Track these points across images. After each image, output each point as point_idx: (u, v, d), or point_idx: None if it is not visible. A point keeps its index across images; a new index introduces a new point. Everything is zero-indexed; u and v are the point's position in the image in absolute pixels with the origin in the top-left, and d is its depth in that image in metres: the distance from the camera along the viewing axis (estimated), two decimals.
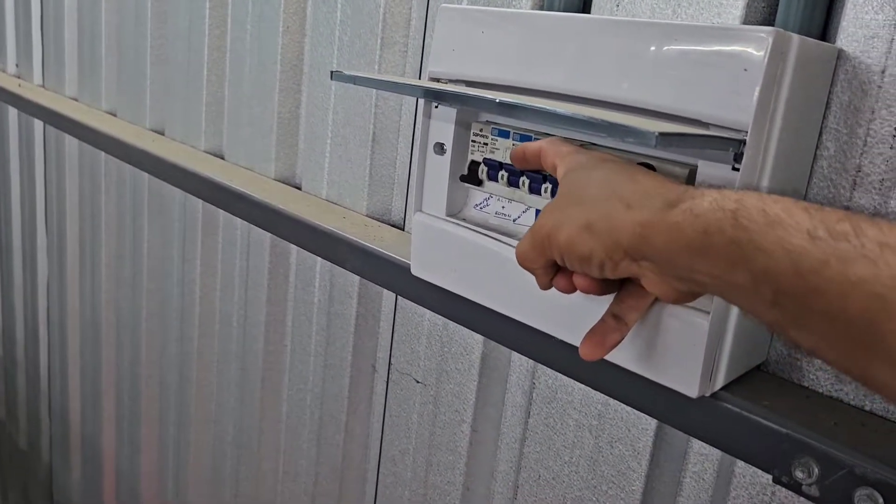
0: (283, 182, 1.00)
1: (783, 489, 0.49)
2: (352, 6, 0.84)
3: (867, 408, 0.50)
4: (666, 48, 0.46)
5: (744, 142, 0.43)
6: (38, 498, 1.96)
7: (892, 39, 0.47)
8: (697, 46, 0.44)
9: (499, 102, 0.43)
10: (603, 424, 0.65)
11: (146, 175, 1.24)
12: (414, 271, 0.66)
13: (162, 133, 1.24)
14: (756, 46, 0.42)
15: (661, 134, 0.37)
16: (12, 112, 1.77)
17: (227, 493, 1.19)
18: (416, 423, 0.84)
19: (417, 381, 0.83)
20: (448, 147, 0.61)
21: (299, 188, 0.97)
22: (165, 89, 1.22)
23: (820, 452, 0.45)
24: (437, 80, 0.60)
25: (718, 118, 0.44)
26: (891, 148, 0.48)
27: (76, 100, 1.51)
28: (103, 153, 1.36)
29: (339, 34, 0.87)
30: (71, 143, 1.50)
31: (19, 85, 1.59)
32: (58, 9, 1.52)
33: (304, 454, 1.01)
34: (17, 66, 1.76)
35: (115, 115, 1.37)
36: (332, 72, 0.54)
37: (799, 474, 0.45)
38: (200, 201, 1.11)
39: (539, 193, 0.56)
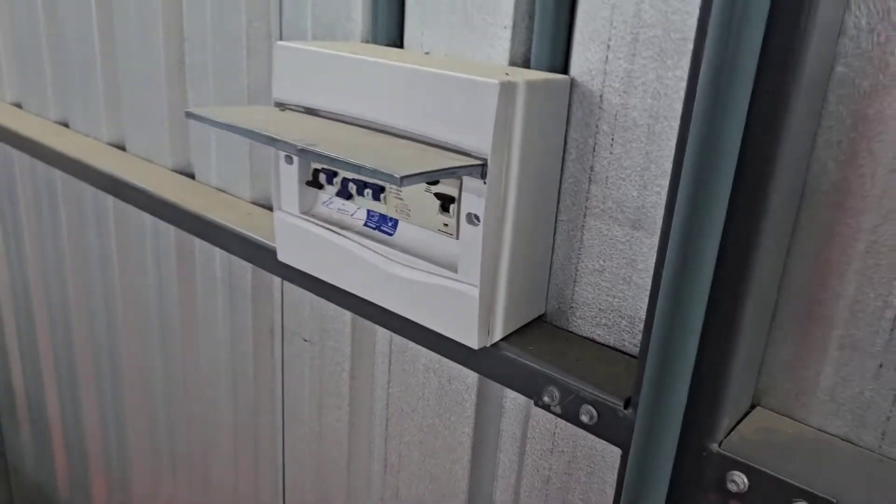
0: (180, 171, 1.12)
1: (539, 409, 0.67)
2: (220, 16, 0.95)
3: (610, 343, 0.68)
4: (432, 92, 0.60)
5: (485, 164, 0.58)
6: None
7: (605, 71, 0.62)
8: (453, 92, 0.59)
9: (256, 135, 0.58)
10: (442, 367, 0.82)
11: (56, 170, 1.34)
12: (280, 258, 0.81)
13: (67, 125, 1.33)
14: (490, 94, 0.57)
15: (405, 176, 0.52)
16: None
17: (163, 439, 1.35)
18: (308, 374, 1.00)
19: (305, 340, 0.99)
20: (294, 158, 0.75)
21: (193, 177, 1.10)
22: (67, 82, 1.30)
23: (559, 382, 0.62)
24: (282, 105, 0.73)
25: (469, 146, 0.59)
26: (610, 153, 0.64)
27: None
28: (14, 150, 1.44)
29: (213, 42, 0.98)
30: None
31: None
32: None
33: (223, 404, 1.17)
34: None
35: (20, 107, 1.45)
36: (186, 112, 0.67)
37: (546, 399, 0.63)
38: (111, 197, 1.22)
39: (363, 195, 0.71)
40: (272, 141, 0.58)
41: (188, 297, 1.17)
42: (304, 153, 0.56)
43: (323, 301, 0.93)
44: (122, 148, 1.22)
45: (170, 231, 1.14)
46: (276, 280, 1.00)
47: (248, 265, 1.02)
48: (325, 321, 0.95)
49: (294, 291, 0.98)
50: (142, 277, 1.25)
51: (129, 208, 1.21)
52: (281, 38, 0.89)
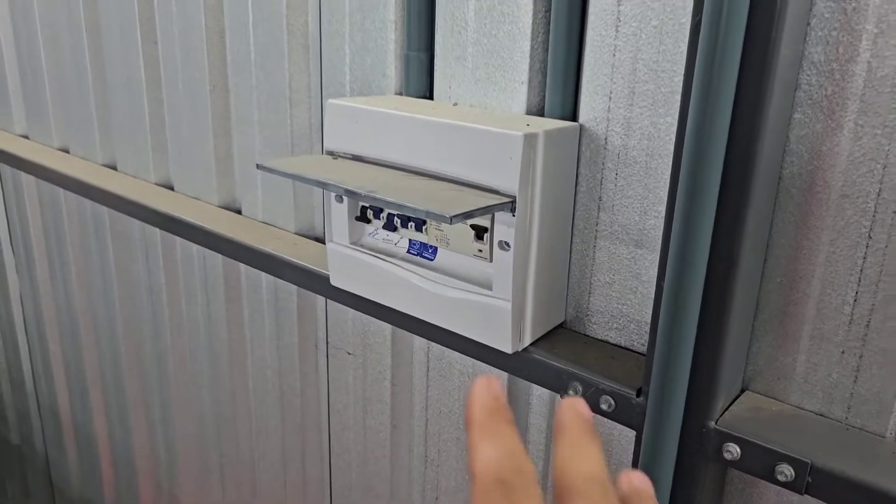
0: (226, 208, 1.24)
1: None
2: (265, 73, 1.08)
3: (622, 344, 0.80)
4: (466, 141, 0.73)
5: (514, 201, 0.71)
6: (37, 485, 2.20)
7: (608, 118, 0.75)
8: (484, 141, 0.72)
9: (328, 185, 0.71)
10: (476, 371, 0.94)
11: (105, 208, 1.47)
12: (333, 282, 0.93)
13: (115, 168, 1.46)
14: (515, 144, 0.70)
15: (453, 216, 0.64)
16: None
17: (213, 454, 1.46)
18: (352, 383, 1.12)
19: (349, 353, 1.11)
20: (344, 197, 0.87)
21: (240, 212, 1.22)
22: (115, 129, 1.43)
23: (582, 378, 0.74)
24: (332, 153, 0.86)
25: (500, 186, 0.72)
26: (615, 185, 0.77)
27: (26, 137, 1.70)
28: (62, 189, 1.57)
29: (257, 95, 1.11)
30: (28, 179, 1.70)
31: None
32: None
33: (271, 417, 1.29)
34: None
35: (67, 152, 1.58)
36: (257, 164, 0.80)
37: (571, 392, 0.75)
38: (158, 230, 1.35)
39: (407, 227, 0.83)
40: (340, 189, 0.71)
41: (235, 320, 1.29)
42: (367, 198, 0.69)
43: (365, 318, 1.06)
44: (170, 188, 1.34)
45: (217, 260, 1.26)
46: (321, 301, 1.13)
47: (294, 288, 1.15)
48: (367, 336, 1.07)
49: (338, 310, 1.10)
50: (190, 305, 1.37)
51: (177, 240, 1.34)
52: (322, 92, 1.02)
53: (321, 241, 1.11)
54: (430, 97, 0.90)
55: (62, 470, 2.07)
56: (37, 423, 2.11)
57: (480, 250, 0.78)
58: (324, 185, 0.73)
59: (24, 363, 2.05)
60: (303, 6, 1.02)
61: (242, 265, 1.22)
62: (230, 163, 1.22)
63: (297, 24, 1.03)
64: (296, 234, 1.13)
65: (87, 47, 1.41)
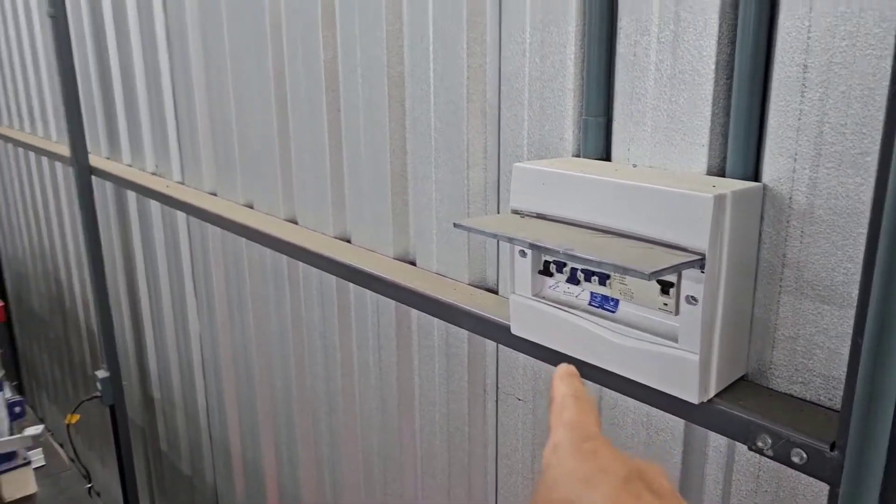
0: (400, 259, 1.35)
1: (752, 453, 0.81)
2: (443, 137, 1.18)
3: (807, 398, 0.81)
4: (654, 202, 0.78)
5: (703, 258, 0.75)
6: None
7: (793, 178, 0.78)
8: (673, 203, 0.77)
9: (530, 244, 0.77)
10: (650, 420, 0.97)
11: (284, 257, 1.61)
12: (513, 331, 1.00)
13: (295, 222, 1.61)
14: (705, 205, 0.74)
15: (652, 272, 0.69)
16: (154, 206, 2.19)
17: (378, 493, 1.55)
18: (521, 428, 1.17)
19: (519, 399, 1.17)
20: (528, 253, 0.94)
21: (413, 264, 1.32)
22: (296, 187, 1.58)
23: (771, 430, 0.76)
24: (518, 212, 0.93)
25: (688, 244, 0.76)
26: (801, 243, 0.79)
27: (214, 194, 1.90)
28: (244, 240, 1.74)
29: (435, 156, 1.21)
30: (214, 232, 1.89)
31: (167, 186, 1.99)
32: (191, 115, 1.92)
33: (437, 458, 1.36)
34: (156, 166, 2.17)
35: (251, 207, 1.75)
36: (454, 223, 0.88)
37: (760, 444, 0.77)
38: (334, 278, 1.47)
39: (590, 281, 0.89)
40: (537, 247, 0.78)
41: (405, 364, 1.38)
42: (565, 256, 0.75)
43: (536, 365, 1.11)
44: (347, 241, 1.47)
45: (390, 307, 1.36)
46: (491, 348, 1.19)
47: (466, 335, 1.22)
48: (538, 382, 1.12)
49: (508, 357, 1.16)
50: (361, 349, 1.48)
51: (350, 287, 1.45)
52: (499, 154, 1.11)
53: (493, 291, 1.18)
54: (606, 158, 0.96)
55: (230, 502, 2.22)
56: (208, 456, 2.29)
57: (666, 304, 0.82)
58: (519, 242, 0.80)
59: (200, 400, 2.24)
60: (482, 76, 1.11)
61: (414, 312, 1.31)
62: (406, 218, 1.33)
63: (475, 93, 1.12)
64: (469, 284, 1.21)
65: (275, 115, 1.58)
